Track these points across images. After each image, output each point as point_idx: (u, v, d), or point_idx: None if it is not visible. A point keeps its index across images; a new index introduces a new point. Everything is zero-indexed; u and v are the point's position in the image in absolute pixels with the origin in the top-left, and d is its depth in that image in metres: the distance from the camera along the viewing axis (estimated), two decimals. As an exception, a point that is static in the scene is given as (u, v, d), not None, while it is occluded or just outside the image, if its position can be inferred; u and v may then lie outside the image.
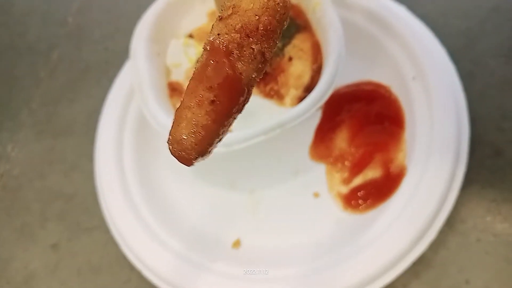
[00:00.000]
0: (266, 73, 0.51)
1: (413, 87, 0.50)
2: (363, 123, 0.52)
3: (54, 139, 0.63)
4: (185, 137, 0.26)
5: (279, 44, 0.51)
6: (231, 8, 0.27)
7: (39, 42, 0.72)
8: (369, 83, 0.54)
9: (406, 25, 0.52)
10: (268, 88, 0.50)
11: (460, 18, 0.57)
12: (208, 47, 0.27)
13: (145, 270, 0.49)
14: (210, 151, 0.28)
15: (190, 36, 0.55)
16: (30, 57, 0.70)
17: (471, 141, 0.48)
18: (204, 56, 0.27)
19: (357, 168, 0.50)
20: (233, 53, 0.26)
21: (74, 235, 0.56)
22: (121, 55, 0.66)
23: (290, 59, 0.51)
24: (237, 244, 0.50)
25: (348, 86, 0.54)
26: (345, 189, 0.50)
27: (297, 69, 0.50)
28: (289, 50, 0.51)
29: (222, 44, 0.26)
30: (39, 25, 0.73)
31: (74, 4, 0.73)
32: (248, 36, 0.26)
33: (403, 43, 0.51)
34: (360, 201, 0.49)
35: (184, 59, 0.53)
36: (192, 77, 0.27)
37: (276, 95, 0.50)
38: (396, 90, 0.52)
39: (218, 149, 0.45)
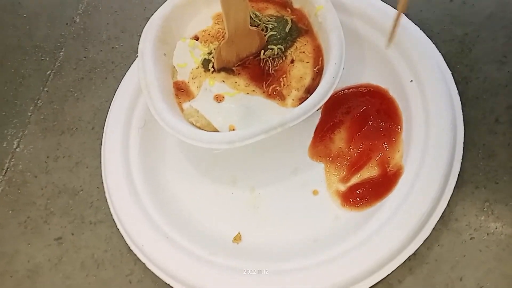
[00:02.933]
0: (269, 75, 0.53)
1: (410, 90, 0.52)
2: (361, 124, 0.53)
3: (60, 135, 0.64)
4: None
5: (282, 47, 0.53)
6: None
7: (46, 41, 0.73)
8: (367, 86, 0.55)
9: (404, 31, 0.54)
10: (270, 89, 0.52)
11: (456, 25, 0.58)
12: None
13: (149, 263, 0.50)
14: None
15: (196, 38, 0.57)
16: (37, 56, 0.72)
17: (465, 143, 0.50)
18: None
19: (355, 167, 0.51)
20: None
21: (78, 229, 0.57)
22: (127, 56, 0.68)
23: (292, 61, 0.53)
24: (238, 238, 0.51)
25: (347, 88, 0.56)
26: (343, 187, 0.51)
27: (299, 71, 0.52)
28: (292, 52, 0.53)
29: None
30: (46, 24, 0.74)
31: (81, 4, 0.75)
32: None
33: (401, 48, 0.53)
34: (358, 199, 0.50)
35: (189, 59, 0.54)
36: None
37: (278, 96, 0.51)
38: (394, 93, 0.54)
39: (221, 146, 0.48)
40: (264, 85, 0.52)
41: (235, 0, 0.47)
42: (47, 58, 0.71)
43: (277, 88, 0.51)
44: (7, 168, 0.63)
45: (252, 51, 0.53)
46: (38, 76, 0.70)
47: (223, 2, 0.46)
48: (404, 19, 0.56)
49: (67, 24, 0.73)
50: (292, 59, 0.53)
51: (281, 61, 0.53)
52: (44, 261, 0.56)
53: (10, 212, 0.60)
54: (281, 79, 0.52)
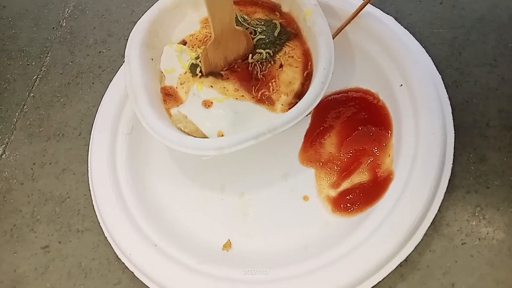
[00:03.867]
0: (257, 79, 0.52)
1: (400, 94, 0.51)
2: (352, 129, 0.53)
3: (46, 142, 0.63)
4: None
5: (270, 51, 0.52)
6: None
7: (32, 45, 0.72)
8: (357, 90, 0.55)
9: (394, 34, 0.53)
10: (259, 94, 0.51)
11: (446, 28, 0.58)
12: None
13: (137, 272, 0.49)
14: None
15: (183, 42, 0.56)
16: (23, 60, 0.71)
17: (456, 148, 0.49)
18: None
19: (346, 172, 0.51)
20: None
21: (65, 238, 0.56)
22: (114, 60, 0.67)
23: (281, 66, 0.52)
24: (227, 246, 0.50)
25: (337, 93, 0.55)
26: (334, 193, 0.51)
27: (288, 76, 0.51)
28: (280, 57, 0.52)
29: None
30: (32, 28, 0.73)
31: (67, 8, 0.74)
32: None
33: (391, 52, 0.53)
34: (348, 205, 0.49)
35: (177, 64, 0.53)
36: None
37: (267, 101, 0.51)
38: (384, 97, 0.53)
39: (210, 152, 0.47)
40: (253, 90, 0.51)
41: (219, 0, 0.46)
42: (33, 63, 0.70)
43: (266, 93, 0.51)
44: (-8, 175, 0.62)
45: (240, 53, 0.52)
46: (23, 81, 0.69)
47: (208, 2, 0.45)
48: (393, 23, 0.56)
49: (53, 28, 0.72)
50: (281, 63, 0.52)
51: (269, 65, 0.52)
52: (30, 270, 0.55)
53: (-5, 220, 0.59)
54: (270, 84, 0.51)
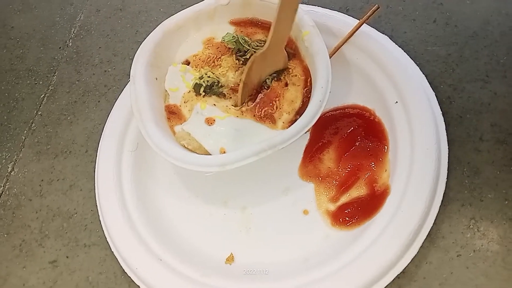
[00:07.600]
0: (260, 97, 0.54)
1: (396, 110, 0.53)
2: (349, 144, 0.54)
3: (54, 159, 0.64)
4: None
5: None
6: None
7: (39, 65, 0.74)
8: (354, 107, 0.57)
9: (389, 53, 0.55)
10: (262, 112, 0.52)
11: (440, 46, 0.60)
12: None
13: (143, 286, 0.51)
14: None
15: (187, 62, 0.58)
16: (30, 79, 0.73)
17: (450, 162, 0.51)
18: None
19: (344, 186, 0.52)
20: None
21: (73, 252, 0.57)
22: (119, 79, 0.69)
23: (286, 84, 0.54)
24: (230, 259, 0.52)
25: (335, 109, 0.57)
26: (333, 207, 0.52)
27: (291, 94, 0.53)
28: (285, 76, 0.54)
29: None
30: (39, 48, 0.75)
31: (73, 28, 0.76)
32: None
33: (386, 70, 0.54)
34: (347, 218, 0.51)
35: (181, 83, 0.55)
36: None
37: (269, 119, 0.52)
38: (380, 114, 0.55)
39: (213, 169, 0.48)
40: (256, 109, 0.53)
41: (291, 10, 0.48)
42: (40, 82, 0.72)
43: (269, 111, 0.52)
44: (2, 192, 0.64)
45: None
46: (31, 99, 0.71)
47: (283, 7, 0.47)
48: (388, 42, 0.58)
49: (59, 47, 0.75)
50: (286, 82, 0.54)
51: (275, 84, 0.54)
52: (38, 284, 0.57)
53: (5, 235, 0.60)
54: (273, 102, 0.53)
